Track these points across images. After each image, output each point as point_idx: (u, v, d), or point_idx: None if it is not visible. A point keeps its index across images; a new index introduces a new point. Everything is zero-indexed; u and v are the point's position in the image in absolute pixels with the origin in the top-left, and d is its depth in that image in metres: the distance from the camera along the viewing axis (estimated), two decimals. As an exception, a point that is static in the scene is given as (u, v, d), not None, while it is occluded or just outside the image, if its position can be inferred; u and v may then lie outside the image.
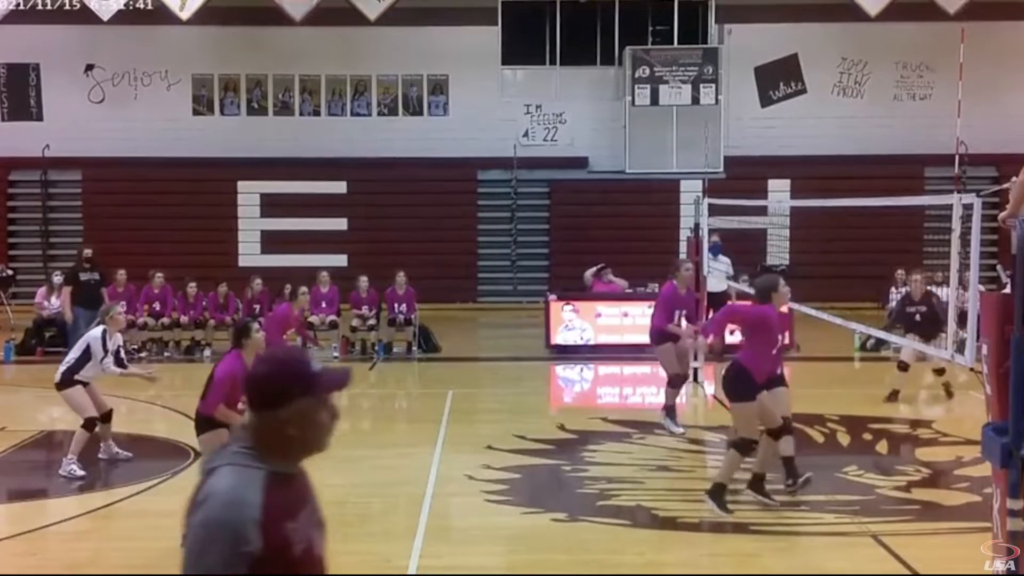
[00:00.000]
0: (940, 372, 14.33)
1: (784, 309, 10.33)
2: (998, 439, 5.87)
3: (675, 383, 12.68)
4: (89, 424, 10.97)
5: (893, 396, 14.40)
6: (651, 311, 17.23)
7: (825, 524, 9.18)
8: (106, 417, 11.40)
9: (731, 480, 9.51)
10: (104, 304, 12.79)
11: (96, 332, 11.19)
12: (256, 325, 9.15)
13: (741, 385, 9.39)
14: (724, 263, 18.13)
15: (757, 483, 9.60)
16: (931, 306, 14.25)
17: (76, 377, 11.05)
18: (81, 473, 10.80)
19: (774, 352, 9.67)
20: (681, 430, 12.49)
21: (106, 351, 11.06)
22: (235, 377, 8.50)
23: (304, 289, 15.25)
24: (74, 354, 11.22)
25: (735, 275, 18.77)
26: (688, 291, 12.91)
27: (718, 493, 9.37)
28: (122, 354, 11.54)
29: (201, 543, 3.06)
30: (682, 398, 15.75)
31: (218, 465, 3.17)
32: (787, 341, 11.03)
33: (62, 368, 11.22)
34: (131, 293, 19.61)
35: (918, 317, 14.09)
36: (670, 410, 12.64)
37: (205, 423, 8.67)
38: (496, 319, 25.20)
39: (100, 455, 11.48)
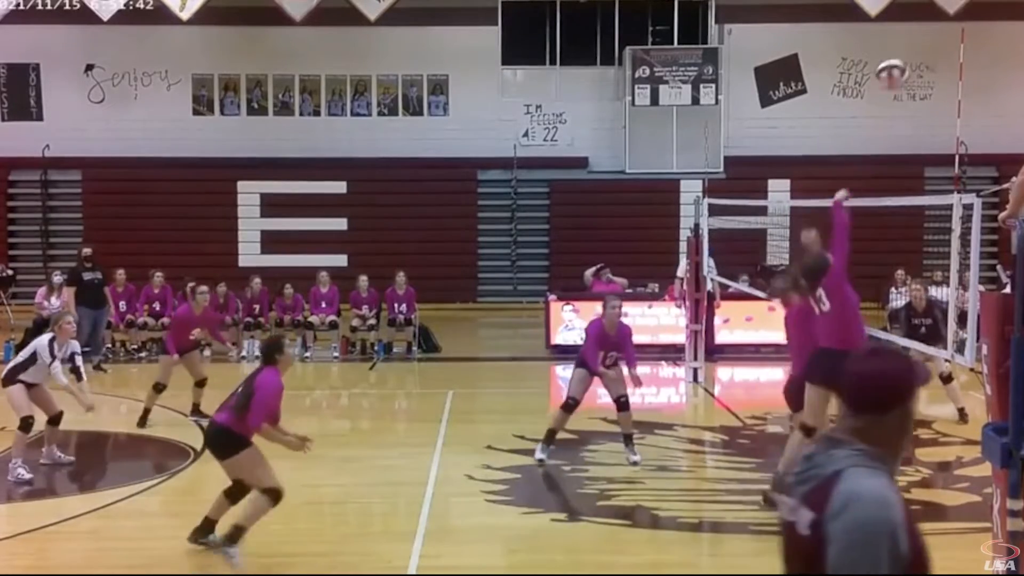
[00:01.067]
0: (948, 380, 13.68)
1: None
2: (998, 439, 5.87)
3: (569, 408, 11.45)
4: (24, 425, 10.81)
5: (963, 417, 13.38)
6: (660, 310, 17.31)
7: (825, 524, 9.15)
8: (54, 420, 11.25)
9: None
10: (56, 313, 12.73)
11: (43, 339, 11.12)
12: (287, 340, 8.82)
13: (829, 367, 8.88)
14: (709, 263, 18.12)
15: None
16: (935, 319, 14.10)
17: (20, 377, 10.96)
18: (28, 476, 10.65)
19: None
20: (543, 457, 11.21)
21: (53, 356, 10.95)
22: (279, 394, 8.32)
23: (204, 289, 14.34)
24: (21, 356, 11.21)
25: (733, 276, 18.75)
26: (619, 330, 11.59)
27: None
28: (79, 362, 11.33)
29: (861, 546, 2.91)
30: (683, 398, 15.83)
31: (841, 468, 3.05)
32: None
33: (8, 365, 11.27)
34: (131, 293, 19.60)
35: (923, 330, 13.93)
36: (550, 435, 11.36)
37: (238, 441, 8.12)
38: (496, 319, 25.20)
39: (42, 460, 11.28)
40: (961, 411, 13.39)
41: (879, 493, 2.98)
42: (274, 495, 8.13)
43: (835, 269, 9.07)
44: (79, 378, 11.27)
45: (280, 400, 8.40)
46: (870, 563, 2.90)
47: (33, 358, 11.01)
